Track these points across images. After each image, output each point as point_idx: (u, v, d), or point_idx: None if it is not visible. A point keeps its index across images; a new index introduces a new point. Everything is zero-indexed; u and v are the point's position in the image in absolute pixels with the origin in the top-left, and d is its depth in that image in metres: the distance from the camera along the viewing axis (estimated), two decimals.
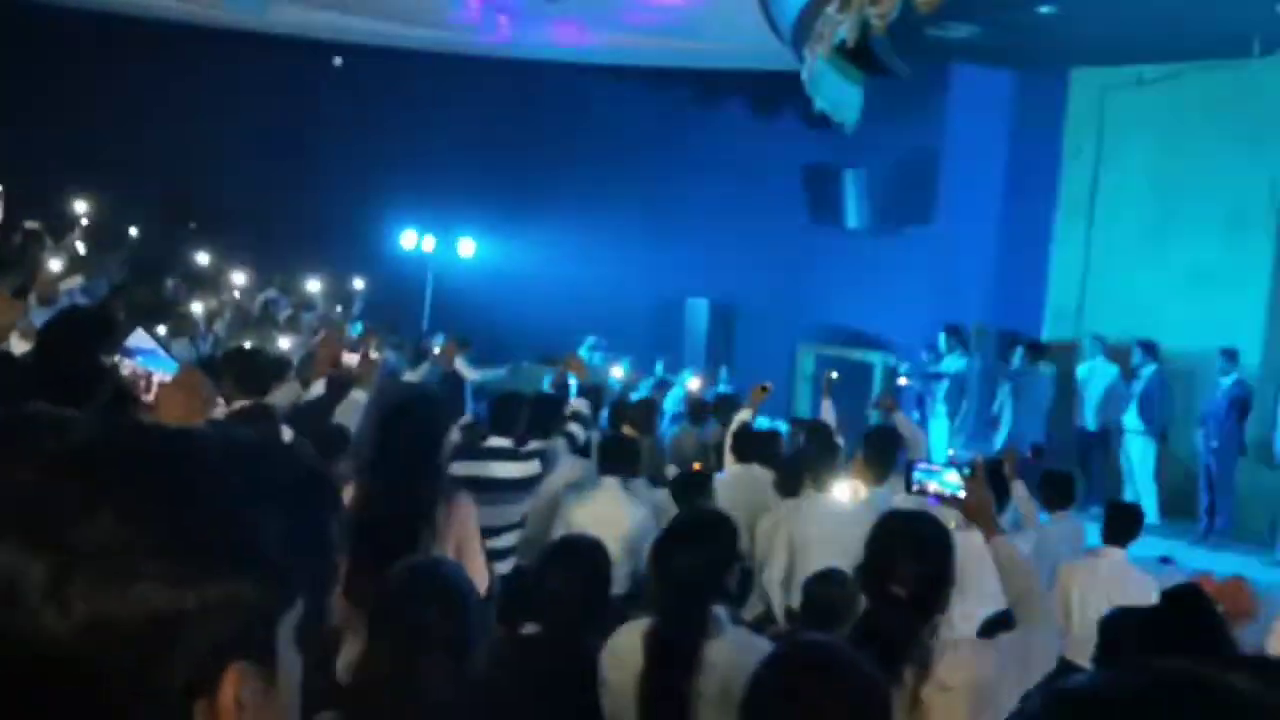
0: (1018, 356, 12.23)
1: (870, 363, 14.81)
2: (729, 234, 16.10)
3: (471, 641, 2.73)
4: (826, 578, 4.19)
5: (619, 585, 5.00)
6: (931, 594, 2.83)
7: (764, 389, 7.65)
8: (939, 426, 12.48)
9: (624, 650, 3.02)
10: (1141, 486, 10.96)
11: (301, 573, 0.85)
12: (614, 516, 5.68)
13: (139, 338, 3.59)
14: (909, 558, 2.83)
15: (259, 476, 0.86)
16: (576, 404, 6.28)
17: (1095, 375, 11.88)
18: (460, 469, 5.45)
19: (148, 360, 3.50)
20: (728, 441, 7.30)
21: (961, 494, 3.36)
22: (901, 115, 13.76)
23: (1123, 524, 6.07)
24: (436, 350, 11.13)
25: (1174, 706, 0.63)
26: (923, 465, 3.58)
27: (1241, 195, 12.01)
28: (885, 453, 6.76)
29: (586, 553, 3.63)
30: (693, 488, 5.95)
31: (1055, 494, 7.06)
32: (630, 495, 5.99)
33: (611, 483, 5.95)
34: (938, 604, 2.86)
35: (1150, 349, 11.30)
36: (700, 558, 3.04)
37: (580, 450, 6.57)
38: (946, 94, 14.27)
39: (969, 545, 3.32)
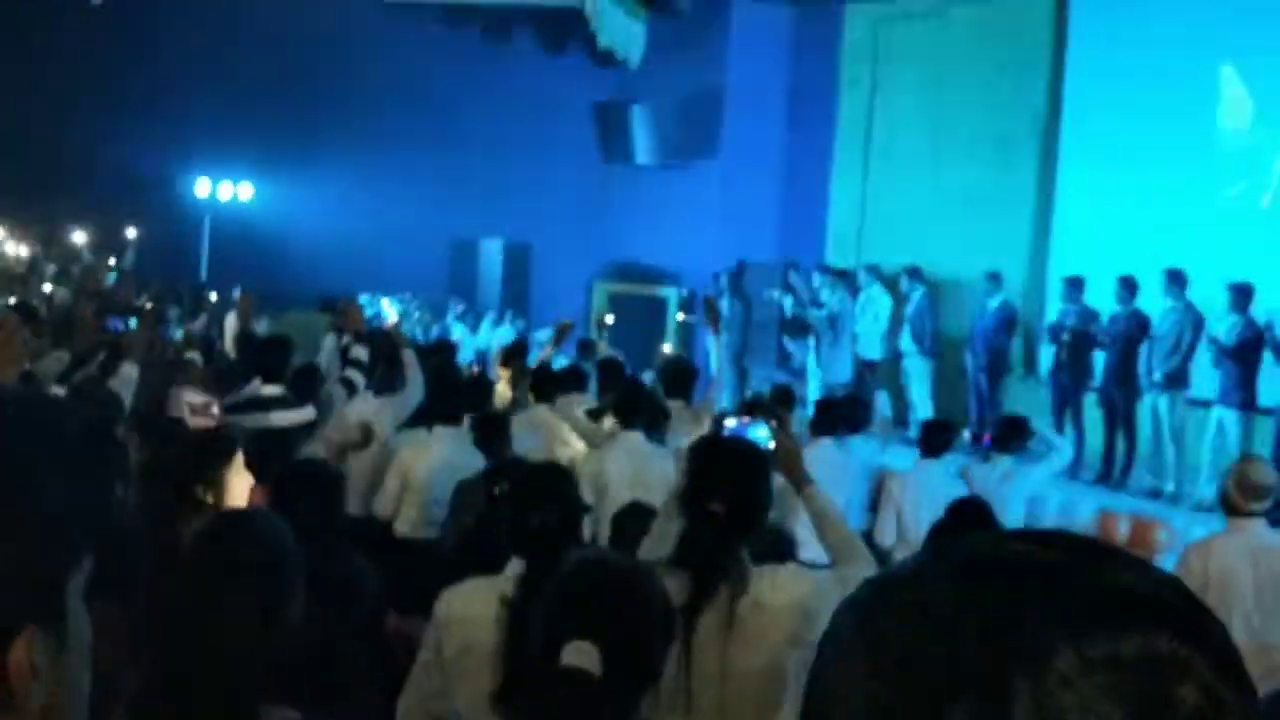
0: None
1: (664, 297, 15.04)
2: (521, 173, 16.00)
3: (282, 595, 2.59)
4: (634, 510, 4.26)
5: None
6: (749, 512, 2.89)
7: (568, 326, 7.72)
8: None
9: (470, 613, 2.86)
10: (919, 406, 11.47)
11: (87, 533, 0.85)
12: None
13: None
14: (727, 477, 2.89)
15: (38, 437, 0.85)
16: (356, 351, 6.21)
17: (872, 304, 12.28)
18: (239, 421, 5.34)
19: None
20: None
21: (771, 445, 3.27)
22: (686, 51, 13.92)
23: (937, 438, 6.75)
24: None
25: (949, 569, 0.68)
26: (731, 420, 3.48)
27: (1007, 122, 12.61)
28: (681, 387, 6.91)
29: (321, 472, 3.83)
30: (494, 429, 5.86)
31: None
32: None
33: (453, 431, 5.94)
34: (754, 523, 2.93)
35: (916, 273, 11.75)
36: (555, 514, 2.99)
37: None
38: (728, 30, 14.50)
39: None
